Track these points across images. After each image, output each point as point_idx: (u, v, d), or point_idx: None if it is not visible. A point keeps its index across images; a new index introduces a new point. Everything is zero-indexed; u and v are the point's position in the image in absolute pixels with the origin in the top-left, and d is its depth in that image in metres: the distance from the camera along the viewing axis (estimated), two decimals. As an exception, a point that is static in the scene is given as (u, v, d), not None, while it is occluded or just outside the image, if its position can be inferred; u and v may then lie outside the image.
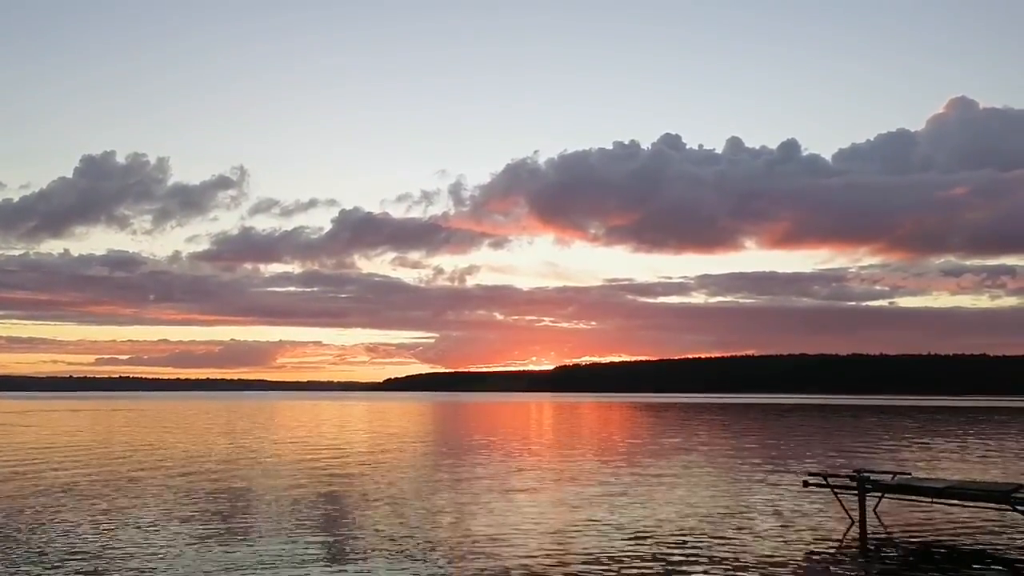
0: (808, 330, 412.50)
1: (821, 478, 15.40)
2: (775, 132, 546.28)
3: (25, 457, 27.32)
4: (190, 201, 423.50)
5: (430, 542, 12.40)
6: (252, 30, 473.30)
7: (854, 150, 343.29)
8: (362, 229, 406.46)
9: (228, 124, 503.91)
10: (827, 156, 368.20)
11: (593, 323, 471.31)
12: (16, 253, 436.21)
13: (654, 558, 11.33)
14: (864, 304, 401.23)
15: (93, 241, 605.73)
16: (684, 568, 10.76)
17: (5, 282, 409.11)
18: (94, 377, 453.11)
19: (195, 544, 12.20)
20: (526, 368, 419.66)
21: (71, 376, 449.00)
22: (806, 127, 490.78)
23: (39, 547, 12.01)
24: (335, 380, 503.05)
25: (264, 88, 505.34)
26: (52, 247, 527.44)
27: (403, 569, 10.68)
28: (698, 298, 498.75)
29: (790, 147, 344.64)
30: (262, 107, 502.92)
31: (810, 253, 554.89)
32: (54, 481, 20.31)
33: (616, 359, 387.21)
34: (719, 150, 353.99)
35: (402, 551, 11.74)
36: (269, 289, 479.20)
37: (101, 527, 13.64)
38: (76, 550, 11.78)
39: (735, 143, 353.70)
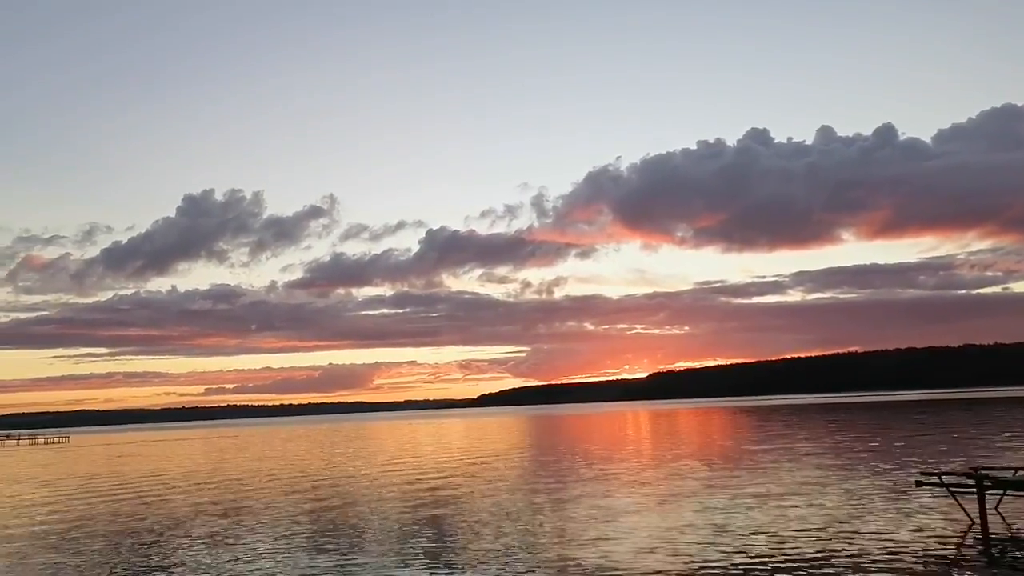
0: (915, 322, 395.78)
1: (936, 477, 14.81)
2: (869, 117, 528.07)
3: (151, 484, 28.95)
4: (284, 232, 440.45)
5: (535, 554, 12.55)
6: (333, 70, 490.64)
7: (955, 130, 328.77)
8: (449, 248, 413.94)
9: (317, 156, 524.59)
10: (927, 138, 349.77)
11: (686, 328, 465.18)
12: (128, 292, 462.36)
13: (768, 564, 11.17)
14: (975, 292, 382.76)
15: (196, 276, 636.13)
16: (798, 574, 10.58)
17: (119, 320, 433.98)
18: (204, 407, 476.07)
19: (305, 558, 12.74)
20: (620, 377, 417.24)
21: (183, 407, 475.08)
22: (902, 110, 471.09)
23: (167, 563, 12.77)
24: (430, 399, 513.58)
25: (349, 120, 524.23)
26: (159, 284, 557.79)
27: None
28: (795, 296, 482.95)
29: (886, 132, 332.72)
30: (348, 137, 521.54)
31: (914, 241, 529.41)
32: (180, 504, 21.47)
33: (712, 363, 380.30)
34: (809, 141, 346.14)
35: (507, 562, 11.94)
36: (362, 312, 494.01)
37: (219, 546, 14.36)
38: (200, 562, 12.50)
39: (826, 132, 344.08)
